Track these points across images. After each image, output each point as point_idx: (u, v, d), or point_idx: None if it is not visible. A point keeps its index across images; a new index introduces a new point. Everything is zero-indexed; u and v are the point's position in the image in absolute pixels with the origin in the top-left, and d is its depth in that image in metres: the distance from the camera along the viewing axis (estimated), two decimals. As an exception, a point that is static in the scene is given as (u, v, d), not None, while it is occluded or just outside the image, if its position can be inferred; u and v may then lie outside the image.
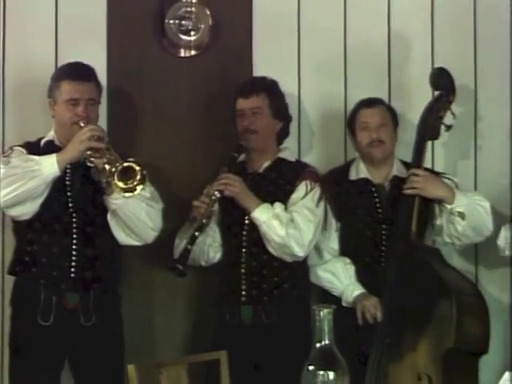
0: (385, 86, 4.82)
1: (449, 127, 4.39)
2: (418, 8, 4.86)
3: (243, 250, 4.28)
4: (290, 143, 4.66)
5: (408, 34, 4.86)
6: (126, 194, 3.96)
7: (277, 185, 4.31)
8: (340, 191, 4.46)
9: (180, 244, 4.23)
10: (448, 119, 4.37)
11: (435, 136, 4.42)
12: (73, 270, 4.11)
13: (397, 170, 4.43)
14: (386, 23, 4.85)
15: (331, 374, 3.12)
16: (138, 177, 3.94)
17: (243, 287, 4.25)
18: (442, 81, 4.41)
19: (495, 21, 4.89)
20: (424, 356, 4.04)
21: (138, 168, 3.95)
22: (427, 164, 4.58)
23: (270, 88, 4.39)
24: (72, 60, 4.27)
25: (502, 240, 4.43)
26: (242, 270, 4.25)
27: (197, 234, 4.13)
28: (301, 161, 4.54)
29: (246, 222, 4.28)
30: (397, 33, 4.85)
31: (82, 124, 4.06)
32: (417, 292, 4.10)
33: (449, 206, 4.28)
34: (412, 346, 4.07)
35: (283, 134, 4.46)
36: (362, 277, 4.36)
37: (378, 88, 4.76)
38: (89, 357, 4.13)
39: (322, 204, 4.31)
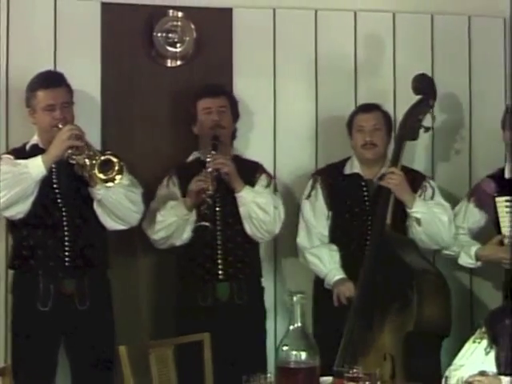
0: (351, 93, 4.85)
1: (427, 129, 4.39)
2: (382, 20, 4.90)
3: (218, 233, 4.29)
4: (266, 145, 4.77)
5: (373, 45, 4.89)
6: (108, 184, 4.00)
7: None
8: (334, 183, 4.50)
9: (166, 221, 4.24)
10: (428, 122, 4.38)
11: (414, 137, 4.42)
12: (67, 259, 4.13)
13: (385, 169, 4.39)
14: (353, 35, 4.88)
15: (303, 354, 3.15)
16: (117, 167, 3.99)
17: (220, 267, 4.27)
18: (422, 86, 4.39)
19: (452, 28, 4.97)
20: (389, 338, 4.04)
21: (115, 160, 3.99)
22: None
23: (229, 92, 4.49)
24: (69, 68, 4.30)
25: None
26: (219, 251, 4.27)
27: (206, 211, 4.16)
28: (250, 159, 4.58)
29: (218, 209, 4.29)
30: (363, 44, 4.88)
31: (60, 126, 4.07)
32: (386, 278, 4.11)
33: (408, 210, 4.31)
34: (379, 328, 4.08)
35: (234, 135, 4.53)
36: (347, 263, 4.39)
37: (345, 94, 4.80)
38: (83, 338, 4.15)
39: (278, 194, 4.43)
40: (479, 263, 4.48)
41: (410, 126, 4.38)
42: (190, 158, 4.50)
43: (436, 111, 4.47)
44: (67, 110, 4.15)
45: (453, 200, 4.61)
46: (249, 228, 4.34)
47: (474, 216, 4.53)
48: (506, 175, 4.50)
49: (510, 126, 4.45)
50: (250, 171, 4.40)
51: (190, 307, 4.32)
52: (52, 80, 4.18)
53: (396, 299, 4.07)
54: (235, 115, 4.47)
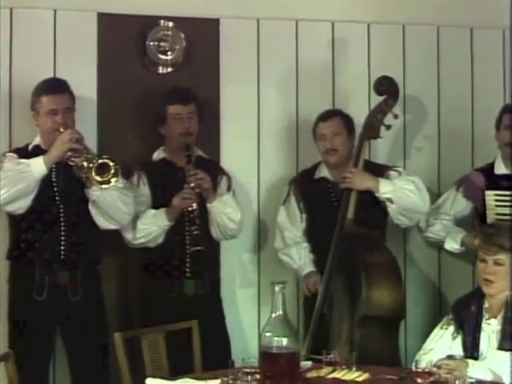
0: (330, 99, 4.83)
1: (388, 127, 4.36)
2: (357, 30, 4.89)
3: (186, 234, 4.27)
4: (250, 147, 4.75)
5: (349, 54, 4.88)
6: (103, 186, 3.99)
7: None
8: (306, 188, 4.50)
9: (147, 230, 4.24)
10: (389, 120, 4.36)
11: (375, 135, 4.40)
12: (62, 252, 4.11)
13: (348, 169, 4.34)
14: (331, 44, 4.87)
15: (285, 340, 3.16)
16: (112, 171, 3.98)
17: (187, 265, 4.27)
18: (384, 87, 4.38)
19: (422, 36, 4.95)
20: (347, 324, 4.03)
21: (111, 163, 3.98)
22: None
23: (197, 98, 4.44)
24: (67, 74, 4.28)
25: (423, 222, 4.55)
26: (187, 251, 4.25)
27: (197, 232, 4.18)
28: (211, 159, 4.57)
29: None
30: (340, 52, 4.87)
31: (61, 129, 4.06)
32: (343, 270, 4.12)
33: (377, 195, 4.27)
34: (339, 315, 4.08)
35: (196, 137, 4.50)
36: (320, 259, 4.38)
37: (323, 99, 4.78)
38: (76, 327, 4.13)
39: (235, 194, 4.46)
40: (463, 248, 4.49)
41: (371, 126, 4.35)
42: (156, 156, 4.46)
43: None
44: (69, 116, 4.14)
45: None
46: (215, 232, 4.37)
47: (461, 205, 4.54)
48: (497, 171, 4.50)
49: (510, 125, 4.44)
50: (212, 172, 4.39)
51: (156, 298, 4.30)
52: (56, 86, 4.17)
53: (349, 288, 4.07)
54: (201, 119, 4.44)
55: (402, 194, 4.26)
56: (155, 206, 4.32)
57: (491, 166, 4.54)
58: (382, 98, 4.37)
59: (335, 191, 4.42)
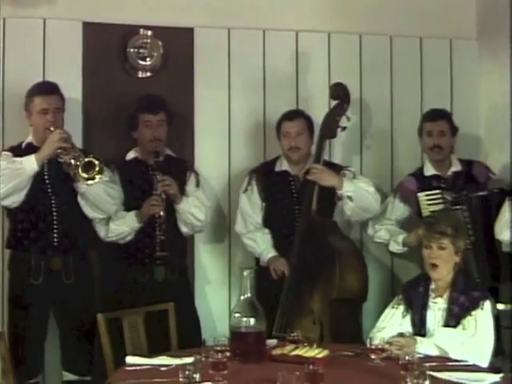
0: (294, 101, 4.84)
1: (344, 128, 4.37)
2: (318, 40, 4.90)
3: (157, 227, 4.24)
4: (221, 145, 4.74)
5: (311, 61, 4.89)
6: (89, 182, 4.00)
7: (170, 176, 4.31)
8: (267, 179, 4.48)
9: (118, 230, 4.23)
10: (344, 122, 4.36)
11: (332, 135, 4.40)
12: (55, 240, 4.11)
13: (309, 165, 4.36)
14: (295, 52, 4.88)
15: (252, 320, 3.18)
16: (97, 168, 3.98)
17: (158, 254, 4.24)
18: (338, 93, 4.38)
19: (379, 45, 4.97)
20: (317, 305, 4.04)
21: (96, 162, 3.99)
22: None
23: (167, 107, 4.42)
24: (55, 78, 4.25)
25: (370, 229, 4.60)
26: (157, 241, 4.23)
27: (162, 237, 4.18)
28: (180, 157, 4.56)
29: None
30: (302, 59, 4.88)
31: (52, 128, 4.06)
32: (313, 256, 4.11)
33: (339, 192, 4.29)
34: (309, 297, 4.08)
35: None
36: (279, 244, 4.38)
37: (289, 102, 4.78)
38: (69, 308, 4.13)
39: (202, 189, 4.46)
40: (405, 249, 4.52)
41: (329, 127, 4.35)
42: (129, 156, 4.45)
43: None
44: (59, 116, 4.14)
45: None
46: (183, 228, 4.38)
47: (399, 209, 4.57)
48: (426, 173, 4.55)
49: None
50: (181, 170, 4.39)
51: (129, 283, 4.28)
52: (47, 88, 4.16)
53: (321, 273, 4.07)
54: (170, 125, 4.42)
55: (361, 194, 4.29)
56: (127, 202, 4.31)
57: (421, 169, 4.60)
58: (336, 102, 4.38)
59: (296, 184, 4.42)
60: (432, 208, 4.35)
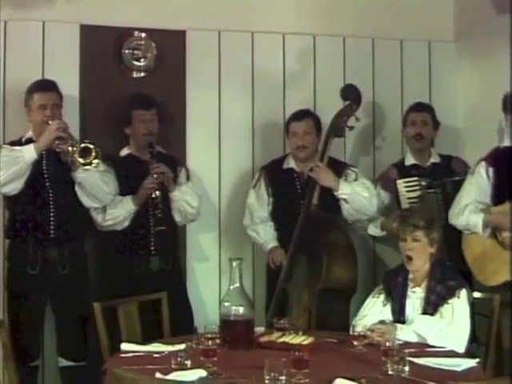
0: (281, 102, 4.84)
1: (351, 128, 4.38)
2: (305, 42, 4.90)
3: (150, 217, 4.27)
4: (212, 143, 4.76)
5: (297, 62, 4.89)
6: (86, 167, 4.00)
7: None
8: (274, 176, 4.51)
9: (115, 213, 4.23)
10: (352, 122, 4.36)
11: (340, 134, 4.40)
12: (52, 231, 4.11)
13: (315, 162, 4.35)
14: (282, 54, 4.87)
15: (241, 309, 3.20)
16: (93, 153, 3.98)
17: (152, 244, 4.27)
18: (348, 94, 4.37)
19: (361, 47, 4.98)
20: (307, 295, 4.06)
21: (92, 147, 4.00)
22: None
23: (158, 104, 4.44)
24: (54, 78, 4.24)
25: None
26: (151, 232, 4.26)
27: (160, 214, 4.19)
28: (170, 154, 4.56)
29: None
30: (289, 61, 4.88)
31: (50, 122, 4.06)
32: (308, 247, 4.14)
33: (335, 193, 4.32)
34: (301, 287, 4.11)
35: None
36: (284, 237, 4.39)
37: (276, 103, 4.81)
38: (65, 297, 4.14)
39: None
40: (384, 232, 4.55)
41: (336, 126, 4.36)
42: (123, 153, 4.45)
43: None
44: (57, 111, 4.15)
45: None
46: (177, 217, 4.39)
47: (381, 197, 4.58)
48: (407, 163, 4.61)
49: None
50: (172, 165, 4.38)
51: (125, 273, 4.28)
52: (46, 85, 4.18)
53: (312, 263, 4.09)
54: (161, 122, 4.44)
55: (356, 198, 4.32)
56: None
57: (403, 159, 4.66)
58: (346, 103, 4.37)
59: (300, 181, 4.44)
60: (410, 195, 4.42)
